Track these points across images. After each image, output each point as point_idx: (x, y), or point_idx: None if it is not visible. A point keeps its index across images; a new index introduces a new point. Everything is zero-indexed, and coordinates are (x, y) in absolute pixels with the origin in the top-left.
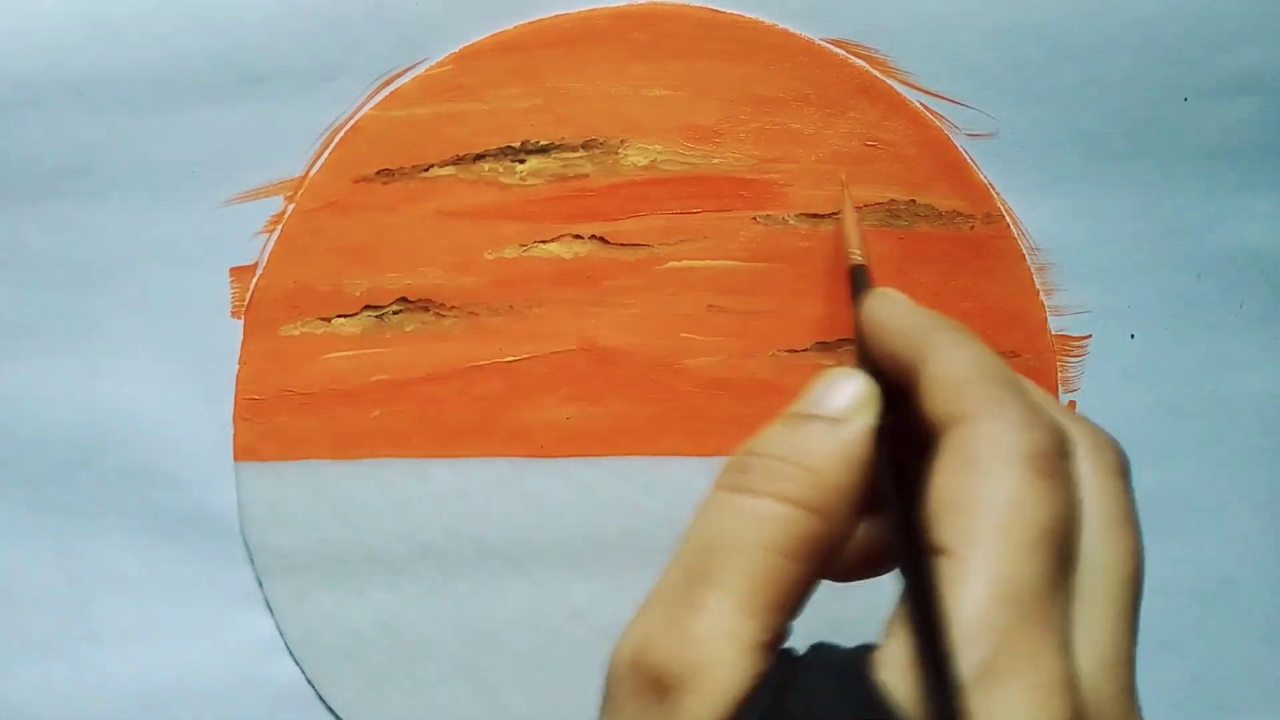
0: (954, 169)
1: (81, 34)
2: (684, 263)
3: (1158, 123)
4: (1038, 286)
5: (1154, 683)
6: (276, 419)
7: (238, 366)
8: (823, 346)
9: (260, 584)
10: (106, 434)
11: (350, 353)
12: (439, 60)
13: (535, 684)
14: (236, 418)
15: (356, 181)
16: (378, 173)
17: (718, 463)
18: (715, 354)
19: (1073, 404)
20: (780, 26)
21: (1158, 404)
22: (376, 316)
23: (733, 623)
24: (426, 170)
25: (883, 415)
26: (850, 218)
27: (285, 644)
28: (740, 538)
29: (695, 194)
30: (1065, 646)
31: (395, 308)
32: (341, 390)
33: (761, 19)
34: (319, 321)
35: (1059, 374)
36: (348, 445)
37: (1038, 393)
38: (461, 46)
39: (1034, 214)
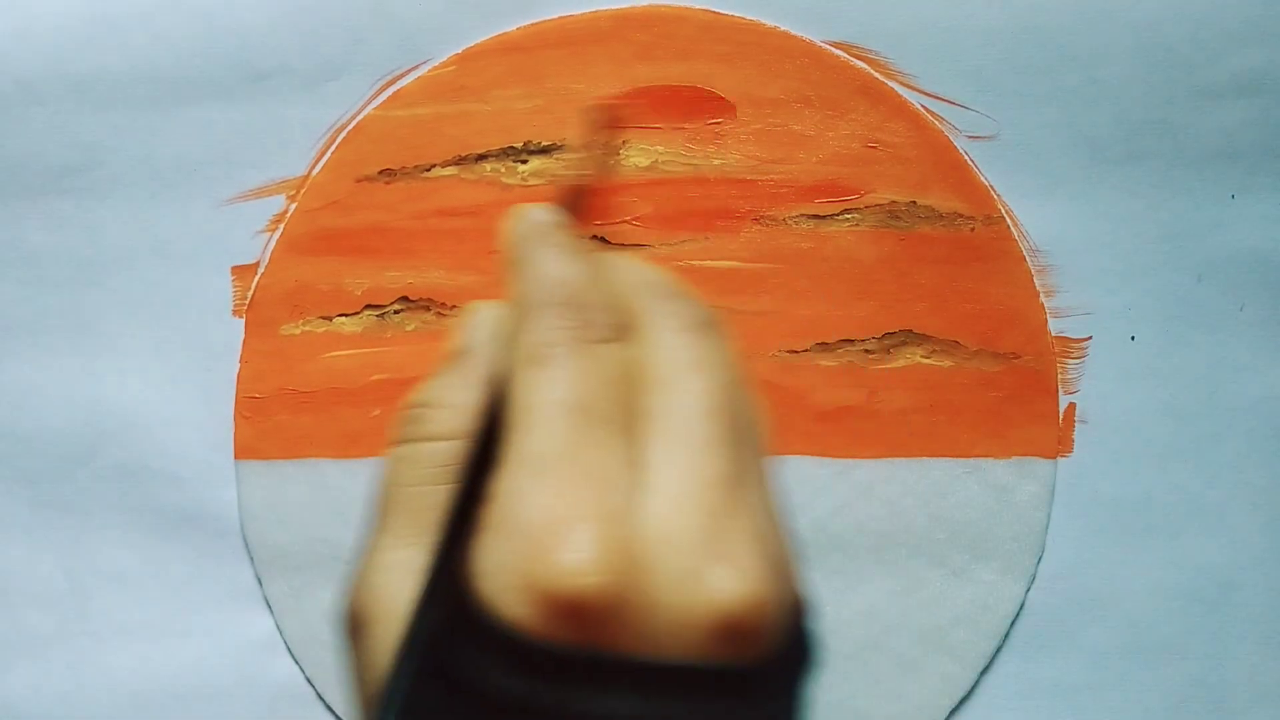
0: (955, 171)
1: (83, 32)
2: (684, 263)
3: (1158, 125)
4: (1038, 288)
5: (1154, 684)
6: (277, 417)
7: (239, 365)
8: (823, 346)
9: (260, 582)
10: (107, 432)
11: (351, 351)
12: (442, 60)
13: None
14: (237, 416)
15: (358, 181)
16: (380, 172)
17: None
18: None
19: (1073, 405)
20: (781, 28)
21: (1158, 406)
22: (378, 315)
23: (398, 555)
24: (429, 170)
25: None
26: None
27: (285, 642)
28: (394, 480)
29: (696, 194)
30: (608, 485)
31: (396, 307)
32: (342, 389)
33: (763, 21)
34: (320, 320)
35: (1059, 375)
36: (348, 444)
37: (616, 267)
38: (464, 47)
39: (1034, 216)
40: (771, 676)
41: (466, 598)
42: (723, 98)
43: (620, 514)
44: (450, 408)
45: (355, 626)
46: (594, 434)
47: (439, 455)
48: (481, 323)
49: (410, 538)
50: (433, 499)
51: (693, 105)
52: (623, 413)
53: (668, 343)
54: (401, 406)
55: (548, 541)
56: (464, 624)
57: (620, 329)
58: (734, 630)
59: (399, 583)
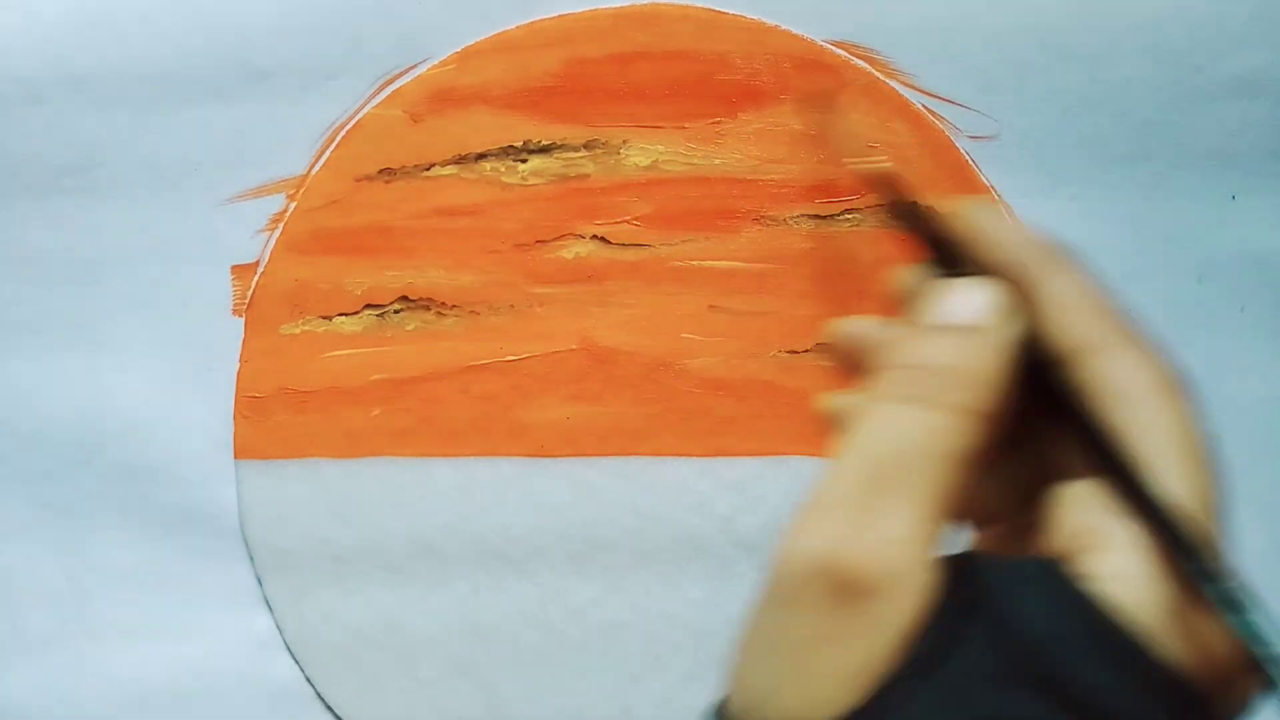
0: (955, 171)
1: (85, 32)
2: (685, 263)
3: (1159, 126)
4: None
5: None
6: (277, 417)
7: (239, 364)
8: (823, 347)
9: (260, 582)
10: (107, 431)
11: (351, 351)
12: (441, 60)
13: (534, 682)
14: (237, 415)
15: (358, 180)
16: (379, 171)
17: (718, 463)
18: (716, 354)
19: None
20: (782, 27)
21: None
22: (377, 315)
23: (921, 529)
24: (428, 169)
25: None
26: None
27: (284, 642)
28: (925, 445)
29: (697, 194)
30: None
31: (396, 306)
32: (342, 389)
33: (763, 19)
34: (320, 320)
35: None
36: (348, 444)
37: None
38: (464, 46)
39: (1035, 216)
40: None
41: (1103, 607)
42: (723, 97)
43: None
44: (992, 386)
45: (848, 588)
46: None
47: (974, 432)
48: (1001, 304)
49: (931, 514)
50: (956, 478)
51: (693, 105)
52: None
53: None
54: (910, 364)
55: None
56: (1090, 630)
57: None
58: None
59: (920, 560)
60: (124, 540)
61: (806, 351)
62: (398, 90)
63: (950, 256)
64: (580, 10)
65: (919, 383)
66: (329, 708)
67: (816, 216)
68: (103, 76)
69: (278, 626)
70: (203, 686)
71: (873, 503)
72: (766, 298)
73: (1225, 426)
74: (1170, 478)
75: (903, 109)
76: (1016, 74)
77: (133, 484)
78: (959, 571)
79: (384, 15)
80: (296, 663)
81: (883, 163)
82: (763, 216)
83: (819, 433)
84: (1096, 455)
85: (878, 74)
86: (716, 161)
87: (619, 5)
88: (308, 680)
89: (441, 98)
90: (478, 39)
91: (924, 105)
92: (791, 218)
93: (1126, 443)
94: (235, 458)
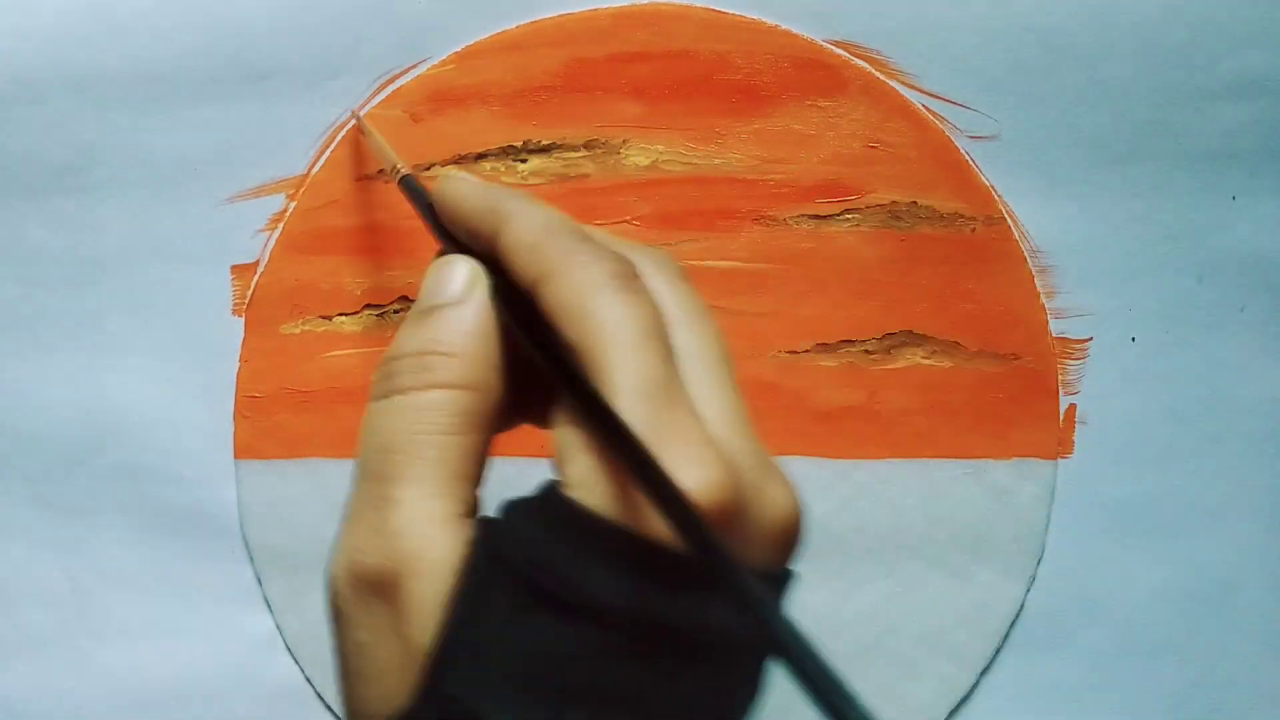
0: (956, 171)
1: (84, 31)
2: (685, 263)
3: (1159, 126)
4: (1039, 289)
5: (1154, 685)
6: (277, 417)
7: (238, 364)
8: (823, 347)
9: (259, 581)
10: (107, 431)
11: (351, 351)
12: (441, 59)
13: None
14: (237, 415)
15: (358, 180)
16: (379, 171)
17: None
18: None
19: (1074, 407)
20: (782, 27)
21: (1158, 407)
22: (377, 315)
23: (427, 507)
24: (428, 169)
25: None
26: (378, 137)
27: (284, 641)
28: (407, 430)
29: (696, 194)
30: (696, 415)
31: (396, 306)
32: (342, 388)
33: (763, 19)
34: (320, 319)
35: (1060, 376)
36: (348, 443)
37: (599, 235)
38: (463, 46)
39: (1035, 216)
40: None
41: (574, 511)
42: (723, 97)
43: (713, 441)
44: (459, 356)
45: (378, 587)
46: (670, 361)
47: (454, 403)
48: (463, 276)
49: (436, 489)
50: (455, 449)
51: (693, 105)
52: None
53: (664, 293)
54: (388, 358)
55: (678, 461)
56: (569, 538)
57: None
58: (793, 539)
59: (434, 536)
60: (124, 540)
61: (806, 351)
62: (398, 90)
63: (440, 233)
64: (580, 10)
65: (396, 375)
66: (328, 707)
67: (817, 217)
68: (103, 76)
69: (277, 626)
70: (202, 686)
71: (379, 497)
72: (766, 298)
73: (1225, 427)
74: (613, 369)
75: (903, 109)
76: (1017, 74)
77: (132, 483)
78: (485, 528)
79: (384, 15)
80: (296, 662)
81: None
82: (762, 216)
83: (820, 433)
84: (551, 371)
85: (878, 74)
86: (716, 161)
87: (619, 5)
88: (307, 680)
89: (441, 98)
90: (477, 39)
91: (924, 105)
92: (791, 218)
93: (572, 358)
94: (235, 457)
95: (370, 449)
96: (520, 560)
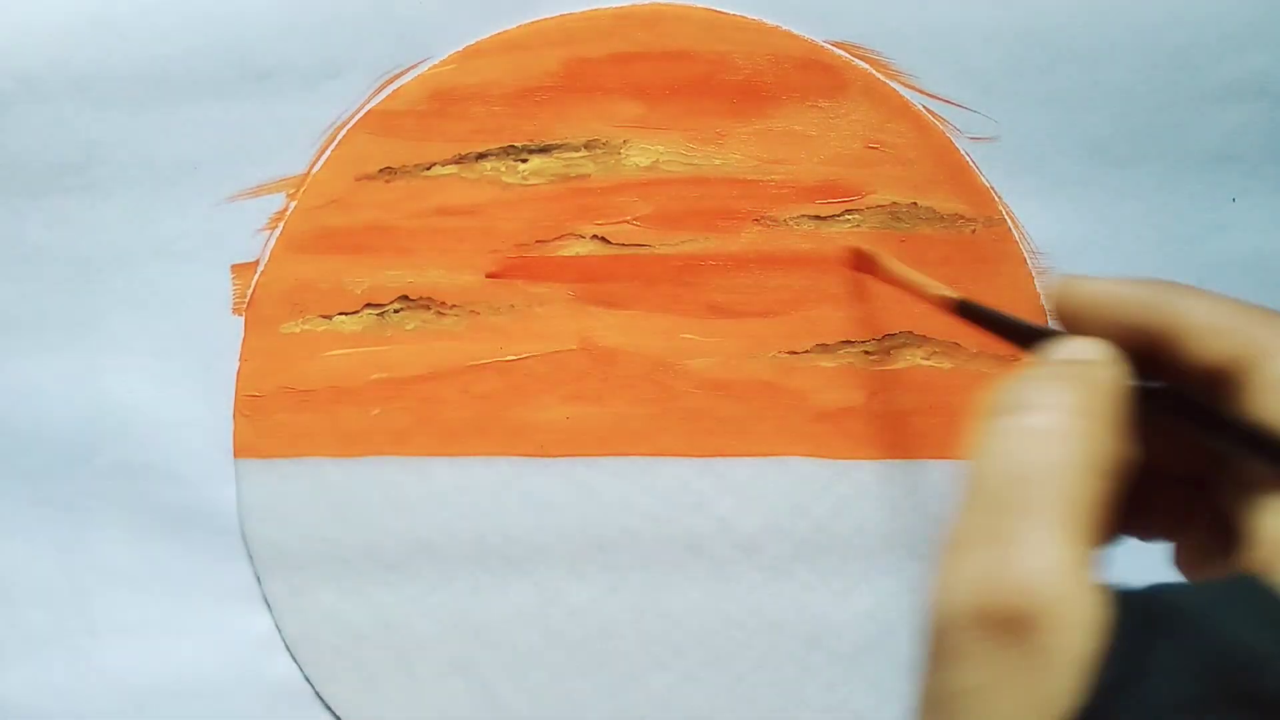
0: (956, 172)
1: (85, 29)
2: (685, 263)
3: (1160, 127)
4: (1039, 290)
5: None
6: (277, 416)
7: (238, 363)
8: (823, 348)
9: (259, 581)
10: (106, 430)
11: (351, 350)
12: (442, 59)
13: (533, 683)
14: (237, 414)
15: (358, 179)
16: (380, 171)
17: (718, 463)
18: (715, 355)
19: None
20: (783, 28)
21: None
22: (377, 314)
23: (1060, 552)
24: (428, 169)
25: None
26: (906, 271)
27: (284, 641)
28: (1044, 458)
29: (697, 195)
30: None
31: (396, 306)
32: (342, 388)
33: (764, 20)
34: (320, 319)
35: None
36: (348, 443)
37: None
38: (464, 45)
39: (1036, 218)
40: None
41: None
42: (724, 98)
43: None
44: (1090, 383)
45: (1005, 625)
46: None
47: (1094, 437)
48: (1094, 344)
49: (1068, 532)
50: (1090, 491)
51: (694, 105)
52: None
53: None
54: (1002, 386)
55: None
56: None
57: None
58: None
59: (1074, 585)
60: (123, 539)
61: (806, 352)
62: (398, 90)
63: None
64: (581, 10)
65: (1027, 392)
66: (328, 707)
67: (817, 217)
68: (103, 75)
69: (276, 625)
70: (201, 685)
71: (1000, 530)
72: (766, 298)
73: None
74: None
75: (903, 110)
76: (1017, 76)
77: (132, 482)
78: (1133, 596)
79: (384, 14)
80: (295, 662)
81: (948, 291)
82: (763, 217)
83: (819, 433)
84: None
85: (878, 75)
86: (717, 162)
87: (620, 5)
88: (306, 679)
89: (442, 97)
90: (478, 38)
91: (925, 106)
92: (792, 218)
93: None
94: (235, 456)
95: (992, 473)
96: (1210, 642)
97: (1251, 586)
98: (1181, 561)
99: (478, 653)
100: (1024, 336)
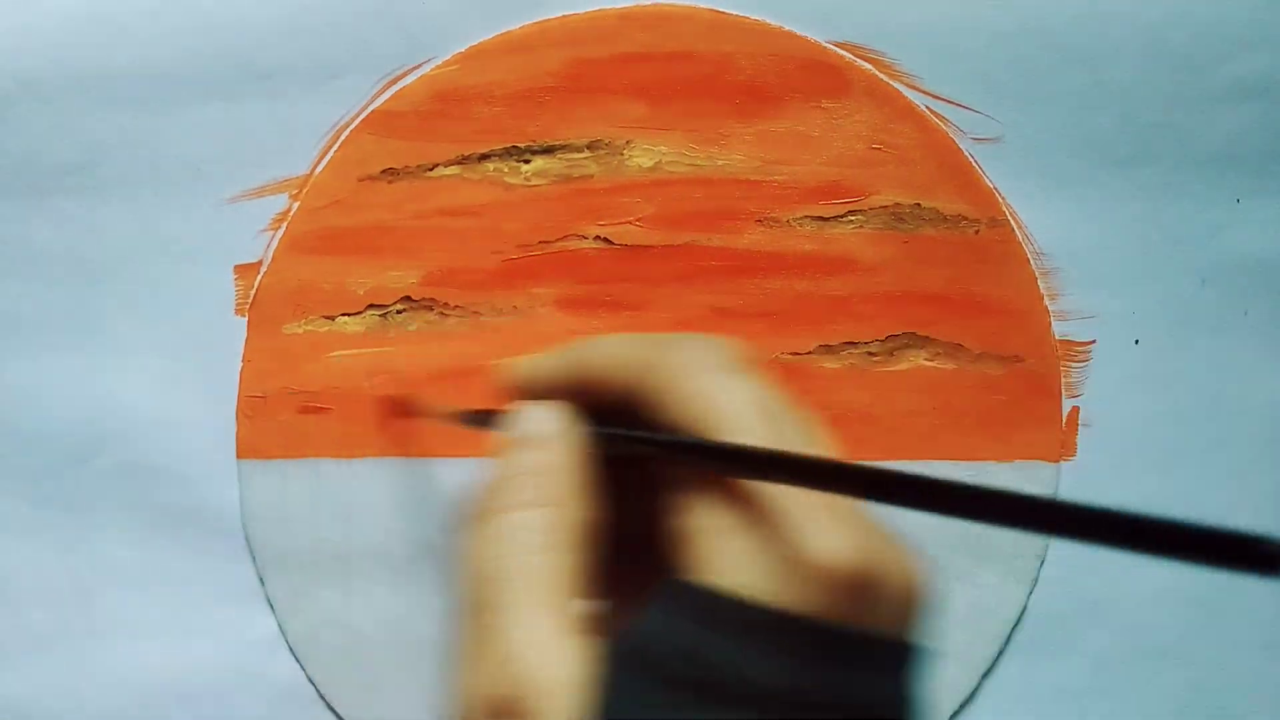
0: (959, 173)
1: (88, 30)
2: (688, 264)
3: (1164, 128)
4: (1042, 291)
5: (1156, 688)
6: (279, 417)
7: (241, 364)
8: (826, 349)
9: (262, 581)
10: (109, 430)
11: (354, 351)
12: (445, 59)
13: None
14: (239, 415)
15: (361, 180)
16: (382, 171)
17: None
18: None
19: (1077, 409)
20: (786, 28)
21: (1162, 409)
22: (380, 315)
23: (535, 628)
24: (431, 170)
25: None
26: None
27: (286, 642)
28: (502, 555)
29: (700, 195)
30: None
31: (399, 307)
32: (345, 389)
33: (767, 21)
34: (323, 320)
35: (1063, 379)
36: (351, 444)
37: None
38: (467, 46)
39: (1039, 218)
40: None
41: (721, 596)
42: (727, 98)
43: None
44: (544, 475)
45: (504, 712)
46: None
47: (544, 520)
48: (544, 413)
49: (539, 607)
50: (555, 566)
51: (697, 106)
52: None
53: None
54: (482, 490)
55: (811, 529)
56: (719, 624)
57: None
58: (918, 607)
59: (550, 653)
60: (126, 539)
61: (809, 353)
62: (402, 90)
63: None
64: (584, 11)
65: (482, 503)
66: (330, 708)
67: (820, 218)
68: (107, 76)
69: (279, 626)
70: (204, 686)
71: (486, 629)
72: (769, 300)
73: (1229, 430)
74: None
75: (907, 111)
76: (1020, 76)
77: (135, 483)
78: (620, 638)
79: (388, 15)
80: (298, 662)
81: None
82: (766, 218)
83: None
84: (677, 452)
85: (882, 76)
86: (720, 163)
87: (623, 6)
88: (309, 680)
89: (446, 98)
90: (481, 39)
91: (928, 107)
92: (794, 219)
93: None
94: (237, 457)
95: (470, 584)
96: (669, 654)
97: (691, 589)
98: None
99: None
100: (488, 421)
